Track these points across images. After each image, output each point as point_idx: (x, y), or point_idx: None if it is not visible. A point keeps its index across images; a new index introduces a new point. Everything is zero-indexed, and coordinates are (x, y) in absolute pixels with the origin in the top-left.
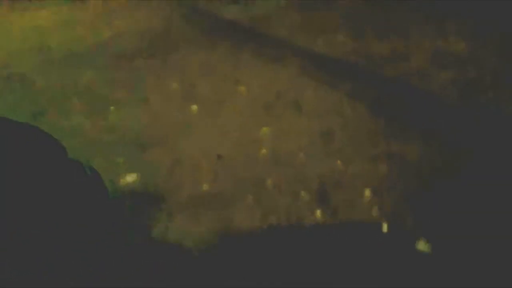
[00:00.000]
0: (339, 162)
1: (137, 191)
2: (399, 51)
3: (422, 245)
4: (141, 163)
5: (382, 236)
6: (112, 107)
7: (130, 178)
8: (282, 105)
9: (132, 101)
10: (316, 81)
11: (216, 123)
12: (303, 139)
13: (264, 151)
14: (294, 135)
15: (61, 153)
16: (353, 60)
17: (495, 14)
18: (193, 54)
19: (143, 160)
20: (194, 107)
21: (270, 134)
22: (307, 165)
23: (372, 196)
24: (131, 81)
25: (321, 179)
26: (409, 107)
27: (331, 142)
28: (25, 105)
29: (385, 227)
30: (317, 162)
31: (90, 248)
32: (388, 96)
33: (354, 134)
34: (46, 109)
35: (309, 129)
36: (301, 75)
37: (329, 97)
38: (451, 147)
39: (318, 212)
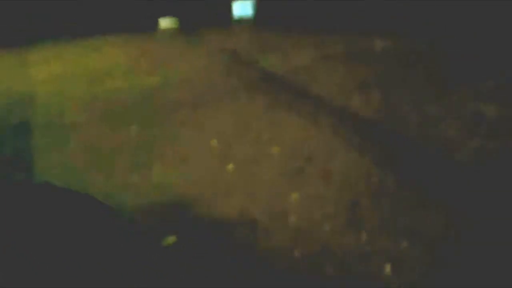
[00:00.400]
0: (364, 234)
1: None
2: (430, 115)
3: None
4: (181, 223)
5: None
6: (156, 165)
7: (171, 240)
8: (312, 170)
9: (175, 158)
10: (347, 145)
11: (250, 185)
12: (330, 207)
13: (293, 218)
14: (322, 203)
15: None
16: (384, 120)
17: None
18: (232, 109)
19: (183, 219)
20: (231, 167)
21: (299, 201)
22: (332, 237)
23: (392, 272)
24: (175, 136)
25: (344, 252)
26: (434, 178)
27: (356, 213)
28: (78, 156)
29: None
30: (342, 232)
31: None
32: (414, 166)
33: (379, 205)
34: (96, 162)
35: (337, 197)
36: (333, 138)
37: (358, 164)
38: (470, 224)
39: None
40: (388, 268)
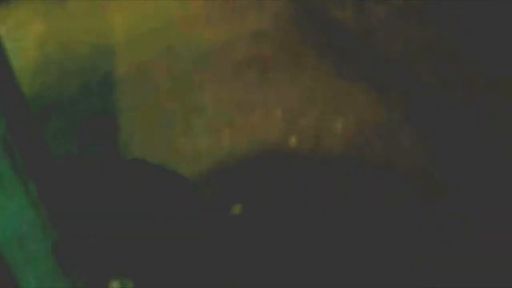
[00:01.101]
0: None
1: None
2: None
3: None
4: (245, 193)
5: None
6: (225, 131)
7: (237, 208)
8: (373, 152)
9: (243, 126)
10: (413, 128)
11: (310, 161)
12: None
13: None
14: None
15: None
16: (456, 96)
17: None
18: (299, 74)
19: (249, 190)
20: (293, 140)
21: (357, 182)
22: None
23: None
24: (243, 102)
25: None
26: None
27: None
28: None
29: None
30: None
31: None
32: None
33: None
34: (174, 123)
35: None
36: (399, 116)
37: (419, 154)
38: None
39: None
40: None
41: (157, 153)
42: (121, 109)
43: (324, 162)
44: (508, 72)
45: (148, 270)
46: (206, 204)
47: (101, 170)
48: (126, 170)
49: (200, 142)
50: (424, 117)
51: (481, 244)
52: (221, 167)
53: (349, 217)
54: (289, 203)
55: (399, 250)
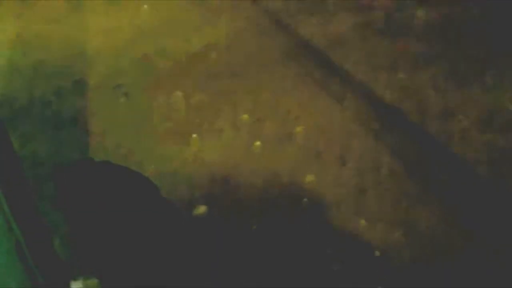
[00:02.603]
0: (362, 222)
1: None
2: (451, 105)
3: None
4: (210, 196)
5: None
6: (194, 135)
7: (201, 209)
8: (330, 154)
9: (211, 131)
10: (365, 129)
11: (272, 165)
12: (340, 192)
13: (305, 200)
14: (334, 187)
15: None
16: (405, 107)
17: None
18: (266, 82)
19: (213, 193)
20: (258, 144)
21: (314, 183)
22: (337, 219)
23: (379, 258)
24: (211, 106)
25: (344, 236)
26: (440, 173)
27: (361, 201)
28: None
29: None
30: (345, 218)
31: None
32: (425, 157)
33: (383, 195)
34: (143, 128)
35: (347, 183)
36: (354, 121)
37: (372, 151)
38: (466, 227)
39: (334, 265)
40: (377, 253)
41: (126, 156)
42: (93, 114)
43: (285, 166)
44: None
45: (114, 270)
46: (171, 205)
47: (67, 172)
48: (93, 172)
49: (168, 145)
50: (379, 124)
51: None
52: (188, 169)
53: (308, 221)
54: (253, 206)
55: None
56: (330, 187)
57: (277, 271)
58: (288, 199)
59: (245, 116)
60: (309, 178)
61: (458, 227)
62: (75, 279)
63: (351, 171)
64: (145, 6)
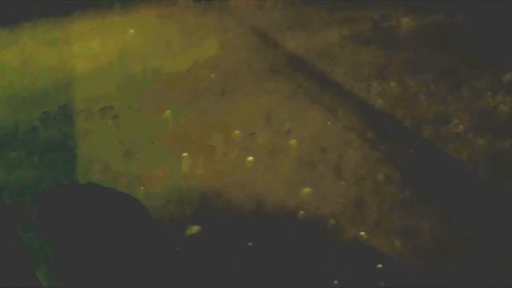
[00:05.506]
0: (362, 233)
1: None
2: (444, 110)
3: None
4: (204, 215)
5: None
6: (185, 154)
7: (194, 230)
8: (325, 164)
9: (201, 148)
10: (360, 138)
11: (266, 179)
12: (337, 203)
13: (302, 213)
14: (330, 199)
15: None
16: (399, 114)
17: None
18: (256, 97)
19: (207, 212)
20: (250, 159)
21: (309, 196)
22: (336, 231)
23: (382, 269)
24: (201, 124)
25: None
26: (437, 179)
27: (359, 211)
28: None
29: None
30: (344, 230)
31: None
32: (421, 164)
33: (381, 204)
34: (131, 150)
35: (344, 193)
36: (348, 131)
37: (367, 160)
38: (466, 230)
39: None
40: (379, 266)
41: (115, 179)
42: (80, 139)
43: (280, 180)
44: None
45: None
46: (162, 227)
47: (53, 197)
48: (79, 195)
49: (157, 167)
50: (374, 132)
51: None
52: (179, 189)
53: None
54: (248, 222)
55: None
56: (327, 199)
57: None
58: (284, 213)
59: (236, 132)
60: (305, 190)
61: (458, 231)
62: None
63: (348, 182)
64: (131, 30)
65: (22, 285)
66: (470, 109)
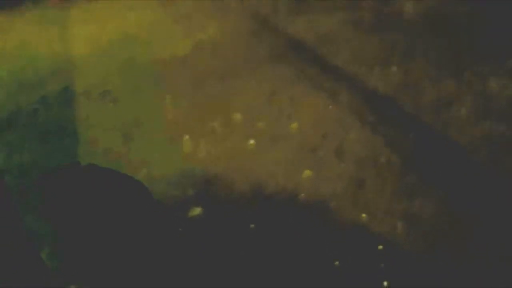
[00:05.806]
0: (363, 215)
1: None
2: (446, 95)
3: None
4: (206, 197)
5: None
6: (186, 137)
7: (196, 211)
8: (326, 147)
9: (203, 131)
10: (361, 122)
11: (266, 161)
12: (338, 186)
13: (303, 195)
14: (331, 181)
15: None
16: (400, 99)
17: None
18: (257, 81)
19: (208, 193)
20: (252, 142)
21: (311, 178)
22: (337, 213)
23: (383, 251)
24: (202, 107)
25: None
26: (438, 163)
27: (360, 193)
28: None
29: (385, 283)
30: (345, 212)
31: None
32: (422, 148)
33: (382, 187)
34: (132, 133)
35: (345, 176)
36: (349, 115)
37: (369, 143)
38: (467, 214)
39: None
40: (380, 247)
41: (116, 160)
42: (80, 121)
43: (281, 163)
44: None
45: (107, 278)
46: (165, 208)
47: (54, 179)
48: (80, 177)
49: (159, 148)
50: (375, 116)
51: None
52: (181, 171)
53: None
54: (250, 204)
55: None
56: (328, 181)
57: (278, 270)
58: (286, 196)
59: (238, 116)
60: (306, 173)
61: (458, 214)
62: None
63: (349, 165)
64: (132, 14)
65: (25, 276)
66: (473, 94)
